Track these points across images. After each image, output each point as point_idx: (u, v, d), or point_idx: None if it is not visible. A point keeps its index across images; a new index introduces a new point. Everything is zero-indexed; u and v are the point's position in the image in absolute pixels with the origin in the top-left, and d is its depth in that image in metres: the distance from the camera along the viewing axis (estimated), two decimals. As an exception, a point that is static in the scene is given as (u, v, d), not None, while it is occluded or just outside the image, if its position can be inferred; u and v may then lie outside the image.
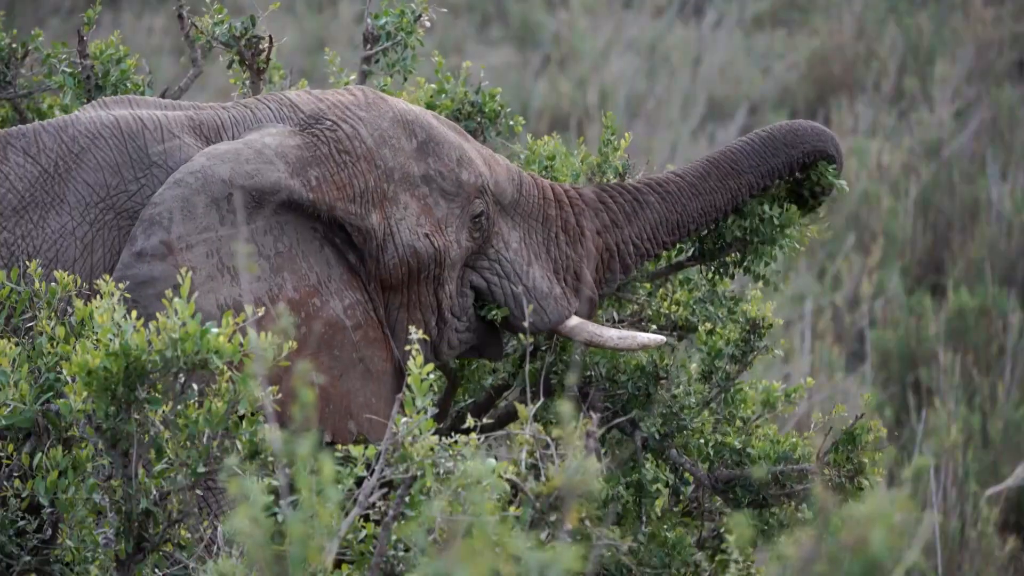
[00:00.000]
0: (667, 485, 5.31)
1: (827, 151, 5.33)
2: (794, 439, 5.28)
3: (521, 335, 5.24)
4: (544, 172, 5.53)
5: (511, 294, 5.12)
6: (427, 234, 4.97)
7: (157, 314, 4.07)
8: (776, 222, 5.38)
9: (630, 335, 5.17)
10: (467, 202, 5.05)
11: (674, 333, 5.51)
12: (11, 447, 4.29)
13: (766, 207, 5.39)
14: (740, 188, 5.32)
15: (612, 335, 5.17)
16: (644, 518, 5.25)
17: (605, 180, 5.48)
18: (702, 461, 5.32)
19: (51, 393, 4.24)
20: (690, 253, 5.49)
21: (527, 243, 5.18)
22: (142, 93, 5.50)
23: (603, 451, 5.42)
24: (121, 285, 4.26)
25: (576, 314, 5.20)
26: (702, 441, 5.32)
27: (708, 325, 5.37)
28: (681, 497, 5.39)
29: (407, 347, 4.14)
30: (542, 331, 5.17)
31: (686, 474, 5.34)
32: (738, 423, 5.35)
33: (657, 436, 5.29)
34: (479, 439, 4.06)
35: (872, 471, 5.24)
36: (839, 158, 5.36)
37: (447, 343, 5.09)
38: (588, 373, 5.34)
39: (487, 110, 5.66)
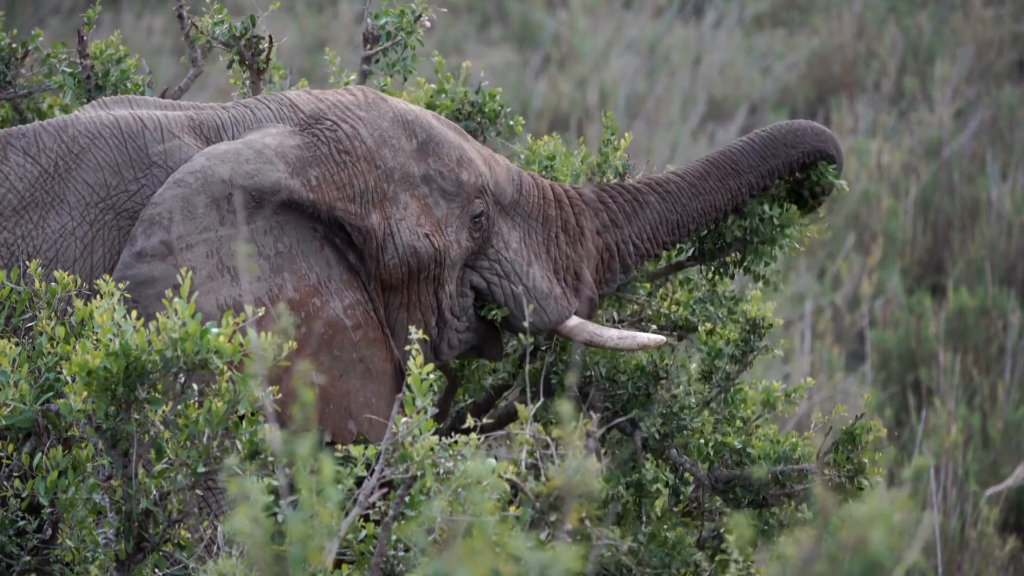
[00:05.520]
0: (667, 485, 5.31)
1: (827, 151, 5.33)
2: (794, 439, 5.28)
3: (521, 335, 5.24)
4: (544, 172, 5.52)
5: (511, 294, 5.12)
6: (427, 234, 4.96)
7: (157, 314, 4.08)
8: (776, 222, 5.38)
9: (630, 335, 5.18)
10: (467, 202, 5.05)
11: (674, 333, 5.51)
12: (11, 447, 4.29)
13: (766, 207, 5.39)
14: (740, 188, 5.32)
15: (612, 335, 5.17)
16: (644, 518, 5.25)
17: (605, 180, 5.48)
18: (702, 461, 5.32)
19: (51, 393, 4.24)
20: (690, 253, 5.49)
21: (527, 243, 5.18)
22: (142, 93, 5.50)
23: (603, 451, 5.42)
24: (121, 285, 4.27)
25: (576, 314, 5.20)
26: (702, 441, 5.32)
27: (708, 325, 5.37)
28: (681, 497, 5.39)
29: (407, 347, 4.15)
30: (542, 331, 5.17)
31: (686, 474, 5.34)
32: (738, 423, 5.35)
33: (657, 436, 5.29)
34: (479, 439, 4.06)
35: (872, 471, 5.24)
36: (839, 158, 5.36)
37: (447, 343, 5.09)
38: (588, 373, 5.34)
39: (487, 110, 5.66)
